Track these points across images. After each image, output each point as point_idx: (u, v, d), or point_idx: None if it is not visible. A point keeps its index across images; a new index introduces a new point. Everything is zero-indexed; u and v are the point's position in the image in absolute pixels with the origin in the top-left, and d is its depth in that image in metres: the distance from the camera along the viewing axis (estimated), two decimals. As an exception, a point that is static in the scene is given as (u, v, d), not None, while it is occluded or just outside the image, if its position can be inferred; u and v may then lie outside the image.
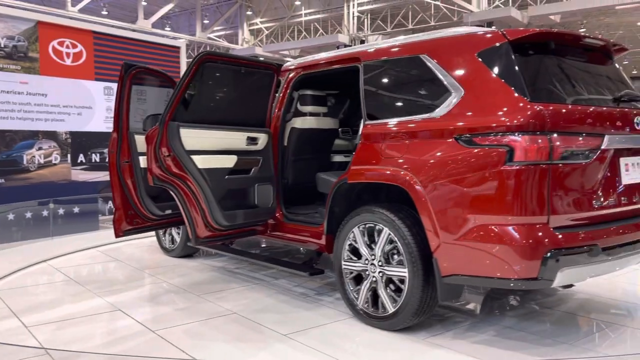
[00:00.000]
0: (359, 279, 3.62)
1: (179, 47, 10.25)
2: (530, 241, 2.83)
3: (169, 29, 34.84)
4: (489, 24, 22.12)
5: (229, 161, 4.08)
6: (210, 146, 3.98)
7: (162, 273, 5.37)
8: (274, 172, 4.44)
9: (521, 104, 2.91)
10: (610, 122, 3.17)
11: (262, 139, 4.35)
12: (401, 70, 3.61)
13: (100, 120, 8.97)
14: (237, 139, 4.13)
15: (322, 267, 4.31)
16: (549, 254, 2.80)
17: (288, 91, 4.63)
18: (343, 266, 3.71)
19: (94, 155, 9.02)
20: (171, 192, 3.95)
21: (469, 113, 3.08)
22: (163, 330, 3.63)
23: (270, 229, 4.59)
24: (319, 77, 4.60)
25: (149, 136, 3.89)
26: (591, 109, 3.16)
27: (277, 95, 4.70)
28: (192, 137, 3.85)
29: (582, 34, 3.62)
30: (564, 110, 3.01)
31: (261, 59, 8.95)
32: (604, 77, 3.62)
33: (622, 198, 3.22)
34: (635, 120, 3.32)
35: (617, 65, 3.81)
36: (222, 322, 3.78)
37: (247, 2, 34.94)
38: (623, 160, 3.25)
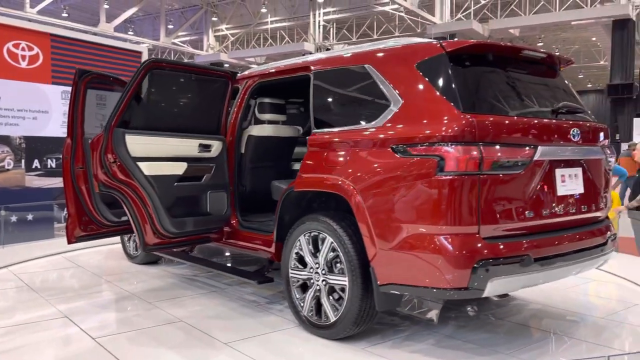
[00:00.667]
0: (304, 287, 3.62)
1: (140, 52, 10.07)
2: (460, 251, 2.84)
3: (132, 33, 34.27)
4: (452, 36, 22.73)
5: (178, 168, 4.05)
6: (158, 153, 3.96)
7: (120, 280, 5.27)
8: (228, 179, 4.42)
9: (453, 115, 2.93)
10: (545, 134, 3.18)
11: (216, 146, 4.33)
12: (347, 79, 3.62)
13: (57, 125, 8.71)
14: (187, 145, 4.11)
15: (272, 276, 4.29)
16: (478, 264, 2.81)
17: (245, 99, 4.60)
18: (290, 274, 3.70)
19: (49, 160, 8.74)
20: (119, 199, 3.91)
21: (406, 123, 3.12)
22: (105, 338, 3.58)
23: (226, 236, 4.51)
24: (276, 86, 4.60)
25: (94, 142, 3.88)
26: (524, 120, 3.15)
27: (234, 102, 4.70)
28: (138, 144, 3.84)
29: (521, 45, 3.61)
30: (495, 121, 3.00)
31: (213, 66, 8.81)
32: (547, 89, 3.63)
33: (558, 209, 3.23)
34: (571, 132, 3.32)
35: (563, 78, 3.82)
36: (167, 330, 3.75)
37: (213, 8, 34.73)
38: (559, 172, 3.25)
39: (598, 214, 3.57)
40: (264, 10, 32.62)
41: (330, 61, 3.80)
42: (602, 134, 3.63)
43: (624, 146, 27.35)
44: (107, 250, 6.52)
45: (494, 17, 28.63)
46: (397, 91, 3.22)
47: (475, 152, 2.84)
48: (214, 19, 35.28)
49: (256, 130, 4.68)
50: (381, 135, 3.19)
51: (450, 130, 2.87)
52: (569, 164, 3.32)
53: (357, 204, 3.21)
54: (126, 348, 3.44)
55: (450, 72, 3.06)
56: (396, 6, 26.75)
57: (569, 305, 4.30)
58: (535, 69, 3.58)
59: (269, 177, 4.54)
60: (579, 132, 3.34)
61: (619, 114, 28.50)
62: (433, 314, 4.08)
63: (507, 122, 3.05)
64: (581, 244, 3.34)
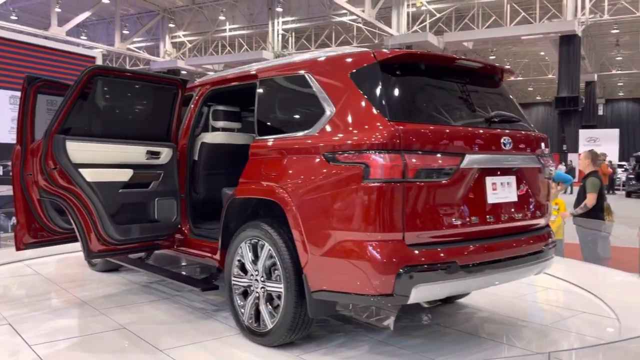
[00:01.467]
0: (245, 294, 3.60)
1: (94, 57, 9.84)
2: (385, 257, 2.85)
3: (85, 37, 33.45)
4: (408, 48, 23.29)
5: (124, 175, 4.00)
6: (101, 159, 3.91)
7: (75, 287, 5.10)
8: (179, 186, 4.36)
9: (379, 123, 2.97)
10: (473, 142, 3.17)
11: (165, 153, 4.27)
12: (288, 88, 3.65)
13: (5, 130, 8.39)
14: (133, 152, 4.07)
15: (218, 283, 4.27)
16: (402, 270, 2.82)
17: (198, 106, 4.58)
18: (232, 281, 3.68)
19: (-4, 168, 8.41)
20: (62, 205, 3.85)
21: (337, 131, 3.15)
22: (41, 345, 3.51)
23: (177, 243, 4.46)
24: (230, 93, 4.57)
25: (34, 149, 3.83)
26: (451, 129, 3.15)
27: (187, 110, 4.66)
28: (80, 150, 3.80)
29: (455, 55, 3.61)
30: (421, 130, 3.01)
31: (163, 73, 8.68)
32: (484, 99, 3.62)
33: (488, 217, 3.21)
34: (502, 141, 3.29)
35: (504, 88, 3.82)
36: (109, 337, 3.70)
37: (170, 14, 34.32)
38: (489, 180, 3.23)
39: (534, 221, 3.57)
40: (222, 17, 32.49)
41: (273, 69, 3.84)
42: (538, 143, 3.62)
43: (572, 157, 28.54)
44: (74, 257, 6.34)
45: (449, 30, 29.45)
46: (331, 100, 3.25)
47: (398, 160, 2.87)
48: (170, 25, 34.86)
49: (209, 138, 4.66)
50: (314, 143, 3.22)
51: (374, 139, 2.92)
52: (500, 172, 3.32)
53: (290, 210, 3.22)
54: (62, 356, 3.38)
55: (380, 81, 3.11)
56: (354, 17, 27.16)
57: (516, 313, 4.36)
58: (473, 78, 3.58)
59: (223, 185, 4.51)
60: (510, 141, 3.33)
61: (566, 126, 29.76)
62: (389, 320, 4.14)
63: (433, 130, 3.06)
64: (514, 251, 3.34)
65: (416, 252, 2.91)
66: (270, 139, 3.61)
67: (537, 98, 51.00)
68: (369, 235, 2.88)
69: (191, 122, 4.56)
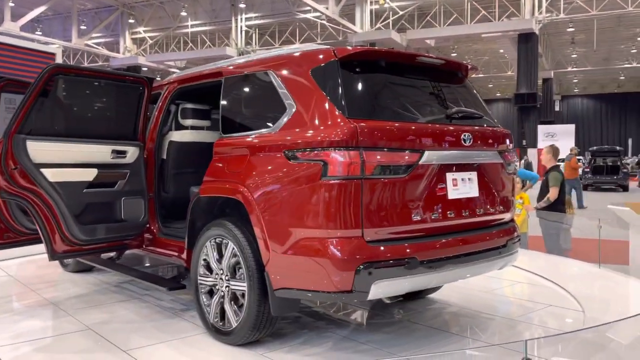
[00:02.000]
0: (211, 293, 3.60)
1: (54, 54, 9.52)
2: (343, 254, 2.86)
3: (40, 33, 32.35)
4: (372, 45, 23.43)
5: (88, 174, 3.96)
6: (64, 159, 3.86)
7: (44, 288, 5.07)
8: (147, 185, 4.32)
9: (338, 121, 2.99)
10: (432, 139, 3.19)
11: (132, 152, 4.23)
12: (251, 85, 3.65)
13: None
14: (98, 152, 4.03)
15: (186, 283, 4.25)
16: (361, 267, 2.85)
17: (165, 104, 4.50)
18: (198, 280, 3.68)
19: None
20: (24, 206, 3.79)
21: (297, 129, 3.16)
22: (5, 348, 3.46)
23: (146, 243, 4.43)
24: (197, 91, 4.51)
25: None
26: (410, 126, 3.17)
27: (154, 108, 4.60)
28: (41, 150, 3.76)
29: (417, 52, 3.64)
30: (380, 127, 3.02)
31: (128, 72, 8.58)
32: (447, 95, 3.62)
33: (449, 212, 3.23)
34: (462, 137, 3.31)
35: (469, 84, 3.84)
36: (73, 338, 3.69)
37: (129, 9, 33.55)
38: (450, 176, 3.26)
39: (497, 216, 3.59)
40: (184, 13, 31.98)
41: (238, 67, 3.82)
42: (500, 139, 3.64)
43: (531, 152, 29.36)
44: (46, 258, 6.17)
45: (412, 27, 29.82)
46: (292, 97, 3.26)
47: (356, 157, 2.88)
48: (130, 20, 34.08)
49: (177, 136, 4.61)
50: (275, 141, 3.23)
51: (333, 136, 2.94)
52: (461, 168, 3.34)
53: (252, 208, 3.23)
54: (26, 358, 3.34)
55: (340, 78, 3.12)
56: (318, 14, 27.17)
57: (484, 307, 4.41)
58: (435, 75, 3.60)
59: (192, 184, 4.48)
60: (471, 136, 3.34)
61: (525, 121, 30.59)
62: (360, 314, 4.18)
63: (392, 127, 3.07)
64: (476, 246, 3.37)
65: (375, 248, 2.93)
66: (233, 137, 3.61)
67: (497, 94, 52.25)
68: (327, 232, 2.90)
69: (159, 121, 4.50)
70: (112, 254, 4.94)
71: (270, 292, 3.16)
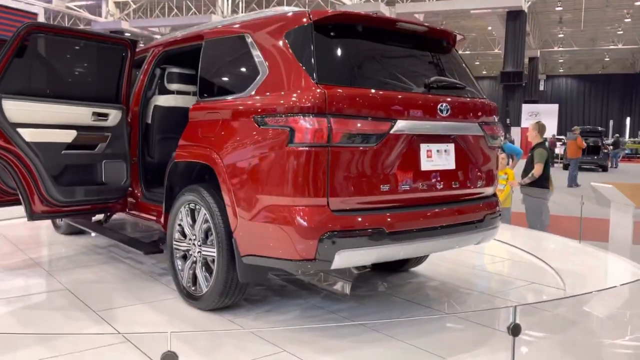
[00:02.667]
0: (185, 258, 3.60)
1: (36, 14, 9.26)
2: (307, 222, 2.83)
3: (19, -7, 31.36)
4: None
5: (66, 136, 3.93)
6: (42, 120, 3.83)
7: (32, 248, 5.16)
8: (128, 149, 4.30)
9: (307, 86, 2.89)
10: (406, 108, 3.08)
11: (114, 115, 4.19)
12: (228, 49, 3.57)
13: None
14: (77, 113, 3.99)
15: (164, 248, 4.28)
16: (325, 236, 2.81)
17: (150, 68, 4.40)
18: (173, 245, 3.67)
19: None
20: (2, 165, 3.78)
21: (267, 93, 3.09)
22: None
23: (130, 207, 4.43)
24: (183, 55, 4.41)
25: None
26: (382, 94, 3.06)
27: (139, 72, 4.52)
28: (18, 110, 3.71)
29: (398, 18, 3.49)
30: (349, 94, 2.92)
31: (111, 33, 8.44)
32: (430, 64, 3.52)
33: (422, 184, 3.16)
34: (438, 107, 3.19)
35: (455, 54, 3.71)
36: (47, 297, 3.78)
37: (113, -28, 32.60)
38: (424, 147, 3.17)
39: (475, 190, 3.51)
40: (169, -22, 31.18)
41: (217, 30, 3.71)
42: (482, 111, 3.52)
43: (514, 130, 29.58)
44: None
45: (401, 1, 29.53)
46: (265, 61, 3.17)
47: (323, 124, 2.81)
48: (114, -17, 33.15)
49: (162, 101, 4.54)
50: (246, 106, 3.17)
51: (300, 102, 2.85)
52: (436, 139, 3.24)
53: (221, 174, 3.21)
54: None
55: (313, 42, 3.01)
56: (306, -17, 26.71)
57: (466, 283, 4.33)
58: (418, 43, 3.50)
59: (176, 149, 4.45)
60: (448, 107, 3.23)
61: (510, 100, 30.76)
62: (342, 285, 4.22)
63: (362, 94, 2.97)
64: (451, 219, 3.31)
65: (340, 217, 2.89)
66: (207, 101, 3.56)
67: (484, 72, 52.26)
68: (292, 200, 2.86)
69: (143, 85, 4.42)
70: (101, 216, 4.94)
71: (237, 258, 3.14)
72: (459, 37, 3.71)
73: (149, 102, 4.51)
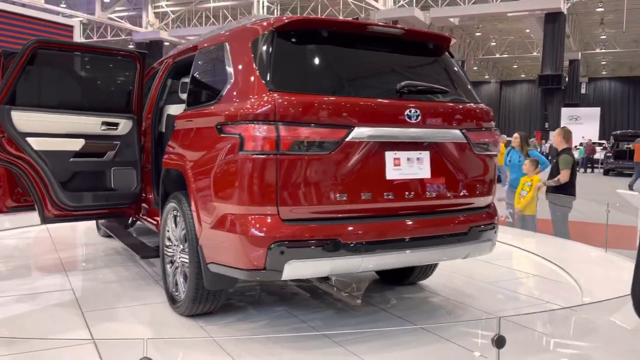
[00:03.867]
0: (172, 264, 3.64)
1: (72, 26, 9.66)
2: (256, 231, 2.79)
3: (64, 6, 32.59)
4: (394, 22, 23.01)
5: (74, 144, 4.16)
6: (50, 129, 4.07)
7: (66, 248, 5.52)
8: (139, 156, 4.43)
9: (258, 93, 2.86)
10: (365, 114, 2.95)
11: (124, 124, 4.39)
12: (211, 59, 3.60)
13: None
14: (86, 123, 4.21)
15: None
16: (273, 245, 2.75)
17: (162, 79, 4.53)
18: (164, 250, 3.72)
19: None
20: (15, 172, 4.06)
21: (228, 102, 3.09)
22: None
23: (143, 212, 4.57)
24: (189, 66, 4.56)
25: None
26: (337, 100, 2.93)
27: (153, 82, 4.73)
28: (26, 120, 3.98)
29: (370, 21, 3.34)
30: (300, 100, 2.84)
31: (118, 47, 8.79)
32: (411, 68, 3.37)
33: (387, 194, 3.00)
34: (406, 113, 3.02)
35: (446, 57, 3.53)
36: (46, 297, 3.92)
37: (152, -17, 33.53)
38: (390, 154, 3.02)
39: (457, 201, 3.29)
40: (206, -12, 31.84)
41: (207, 40, 3.75)
42: (466, 116, 3.31)
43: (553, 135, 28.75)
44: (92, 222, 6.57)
45: (436, 5, 29.26)
46: (233, 69, 3.17)
47: (272, 132, 2.75)
48: (153, -6, 34.09)
49: (174, 110, 4.72)
50: (211, 114, 3.19)
51: (249, 109, 2.83)
52: (406, 146, 3.07)
53: (189, 181, 3.25)
54: None
55: (271, 49, 2.98)
56: (340, -10, 26.83)
57: (472, 299, 4.00)
58: (399, 47, 3.36)
59: None
60: (419, 113, 3.05)
61: (549, 104, 30.02)
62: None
63: (314, 101, 2.87)
64: (423, 231, 3.13)
65: (291, 227, 2.81)
66: (188, 110, 3.65)
67: (522, 76, 51.17)
68: (243, 208, 2.83)
69: (156, 95, 4.59)
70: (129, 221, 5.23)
71: (203, 265, 3.13)
72: (453, 41, 3.58)
73: (162, 111, 4.69)
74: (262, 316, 3.57)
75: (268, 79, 2.90)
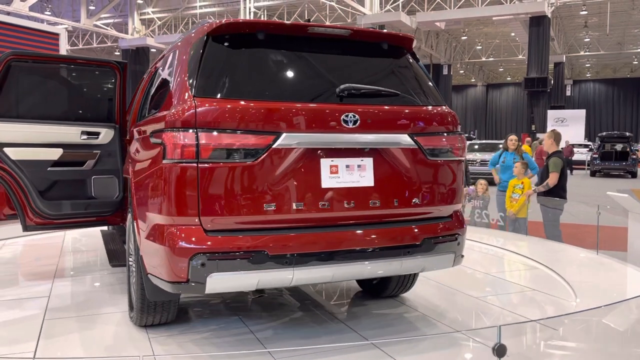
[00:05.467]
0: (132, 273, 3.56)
1: (58, 34, 9.54)
2: (177, 242, 2.67)
3: (49, 13, 32.31)
4: (381, 27, 22.95)
5: (52, 154, 4.21)
6: (27, 139, 4.12)
7: (71, 255, 5.75)
8: (121, 165, 4.40)
9: (182, 100, 2.75)
10: (294, 119, 2.77)
11: (104, 133, 4.41)
12: (167, 66, 3.49)
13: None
14: (64, 132, 4.26)
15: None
16: (194, 257, 2.63)
17: (146, 87, 4.50)
18: (128, 259, 3.64)
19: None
20: None
21: (163, 109, 2.97)
22: None
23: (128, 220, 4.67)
24: None
25: None
26: (262, 105, 2.77)
27: (138, 91, 4.69)
28: (3, 131, 4.06)
29: (310, 23, 3.11)
30: (222, 107, 2.70)
31: (96, 57, 8.90)
32: (359, 71, 3.19)
33: (322, 203, 2.81)
34: (342, 118, 2.83)
35: (406, 59, 3.33)
36: (24, 302, 4.03)
37: (138, -10, 33.35)
38: (327, 161, 2.84)
39: (407, 211, 3.05)
40: (192, -6, 31.74)
41: (171, 47, 3.60)
42: (418, 121, 3.08)
43: (540, 137, 28.97)
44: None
45: (422, 9, 29.42)
46: (174, 77, 3.07)
47: (191, 139, 2.63)
48: (139, 1, 33.89)
49: None
50: (149, 122, 3.17)
51: (172, 116, 2.72)
52: (344, 153, 2.88)
53: (132, 191, 3.24)
54: None
55: (203, 54, 2.85)
56: (327, -5, 26.87)
57: (447, 316, 3.68)
58: (346, 48, 3.17)
59: None
60: (357, 118, 2.86)
61: (535, 106, 30.22)
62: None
63: (238, 107, 2.72)
64: (364, 243, 2.91)
65: (214, 238, 2.69)
66: (141, 120, 3.62)
67: (508, 79, 51.62)
68: (168, 218, 2.73)
69: (139, 104, 4.54)
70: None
71: (144, 276, 3.06)
72: (413, 42, 3.36)
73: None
74: (213, 324, 3.52)
75: (194, 85, 2.78)
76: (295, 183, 2.79)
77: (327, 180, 2.85)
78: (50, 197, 4.17)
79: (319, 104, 2.90)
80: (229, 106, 2.72)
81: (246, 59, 2.98)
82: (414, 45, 3.40)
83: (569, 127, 32.36)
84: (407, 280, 3.94)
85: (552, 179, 6.31)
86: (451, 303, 4.09)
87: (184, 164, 2.66)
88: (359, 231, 2.94)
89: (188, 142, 2.64)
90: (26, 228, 4.21)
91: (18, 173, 4.06)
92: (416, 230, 3.06)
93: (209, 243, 2.68)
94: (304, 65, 3.08)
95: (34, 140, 4.15)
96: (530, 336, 3.39)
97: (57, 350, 3.14)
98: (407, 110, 3.09)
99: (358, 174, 2.92)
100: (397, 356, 2.94)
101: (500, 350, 2.14)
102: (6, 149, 4.04)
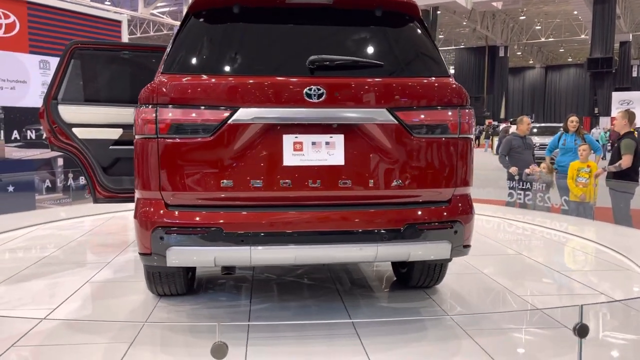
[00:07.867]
0: None
1: (120, 22, 9.82)
2: (141, 215, 2.80)
3: (109, 3, 33.39)
4: (434, 8, 22.33)
5: (113, 133, 4.53)
6: (91, 120, 4.47)
7: (115, 240, 5.61)
8: None
9: (154, 78, 2.87)
10: (252, 93, 2.69)
11: None
12: None
13: (36, 95, 8.50)
14: (124, 114, 4.49)
15: None
16: (154, 230, 2.72)
17: None
18: None
19: (29, 132, 8.55)
20: (71, 157, 4.50)
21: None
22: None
23: None
24: None
25: (41, 112, 4.48)
26: (217, 80, 2.72)
27: None
28: (71, 113, 4.42)
29: None
30: (179, 82, 2.73)
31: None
32: (347, 41, 2.98)
33: (284, 181, 2.71)
34: (305, 92, 2.67)
35: (410, 27, 3.02)
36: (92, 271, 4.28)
37: (192, -23, 33.92)
38: (290, 138, 2.72)
39: (384, 193, 2.82)
40: (245, -20, 31.99)
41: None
42: (401, 94, 2.80)
43: (603, 120, 27.67)
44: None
45: (477, -11, 28.52)
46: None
47: (151, 115, 2.71)
48: (193, -11, 34.53)
49: None
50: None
51: (141, 94, 2.84)
52: (310, 129, 2.73)
53: None
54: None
55: (179, 32, 2.94)
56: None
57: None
58: (338, 17, 2.96)
59: None
60: (322, 91, 2.67)
61: (598, 88, 28.91)
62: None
63: (194, 82, 2.73)
64: (333, 225, 2.77)
65: (172, 213, 2.76)
66: None
67: (569, 60, 49.47)
68: (138, 192, 2.89)
69: None
70: None
71: None
72: (412, 5, 3.03)
73: None
74: (197, 298, 3.58)
75: (166, 61, 2.87)
76: (254, 160, 2.72)
77: (290, 158, 2.73)
78: (111, 173, 4.50)
79: (282, 77, 2.76)
80: (185, 81, 2.75)
81: (220, 34, 2.95)
82: (410, 8, 3.06)
83: (635, 110, 30.74)
84: (431, 271, 3.57)
85: (626, 161, 5.98)
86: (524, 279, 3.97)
87: (146, 139, 2.76)
88: (325, 212, 2.79)
89: (149, 117, 2.72)
90: (96, 200, 4.53)
91: (85, 151, 4.40)
92: (397, 214, 2.81)
93: (168, 217, 2.75)
94: (280, 38, 2.94)
95: (97, 120, 4.49)
96: (609, 317, 3.24)
97: (74, 312, 3.38)
98: (387, 83, 2.81)
99: (326, 152, 2.75)
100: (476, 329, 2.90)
101: (581, 330, 2.02)
102: (75, 129, 4.41)
